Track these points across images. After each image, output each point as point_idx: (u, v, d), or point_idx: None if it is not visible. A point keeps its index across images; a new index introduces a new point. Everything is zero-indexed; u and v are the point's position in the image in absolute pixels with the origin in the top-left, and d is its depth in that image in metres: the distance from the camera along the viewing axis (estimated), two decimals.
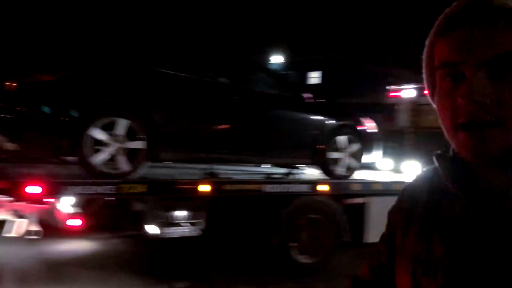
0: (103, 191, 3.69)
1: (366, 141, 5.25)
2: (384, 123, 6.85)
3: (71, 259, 4.84)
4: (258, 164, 5.73)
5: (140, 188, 3.86)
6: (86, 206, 4.27)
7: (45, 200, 3.85)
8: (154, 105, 4.07)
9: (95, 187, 3.64)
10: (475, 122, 0.56)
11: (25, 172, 3.82)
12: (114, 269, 4.58)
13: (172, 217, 4.42)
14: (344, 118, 5.25)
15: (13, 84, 3.67)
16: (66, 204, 4.07)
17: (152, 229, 4.45)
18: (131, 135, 3.87)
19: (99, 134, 3.71)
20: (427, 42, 0.64)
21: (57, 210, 4.09)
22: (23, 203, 3.90)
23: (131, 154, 3.91)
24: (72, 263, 4.69)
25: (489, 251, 0.57)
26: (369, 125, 5.44)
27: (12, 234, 3.85)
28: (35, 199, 3.56)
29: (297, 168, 5.50)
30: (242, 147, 4.66)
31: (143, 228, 4.48)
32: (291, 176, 5.13)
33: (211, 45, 5.49)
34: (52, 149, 3.88)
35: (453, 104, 0.58)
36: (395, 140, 6.91)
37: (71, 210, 4.06)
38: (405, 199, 0.74)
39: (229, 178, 4.61)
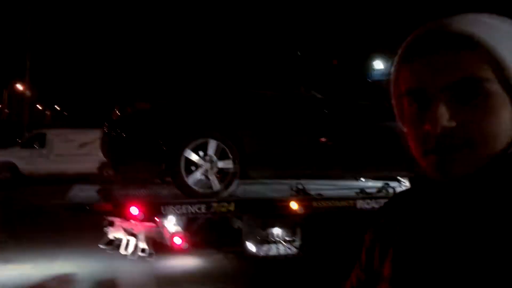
0: (195, 210, 3.91)
1: None
2: None
3: (178, 274, 5.13)
4: (352, 178, 5.52)
5: (228, 207, 4.01)
6: (189, 225, 4.60)
7: (152, 219, 4.25)
8: (242, 125, 4.22)
9: (188, 206, 3.89)
10: (443, 146, 0.57)
11: (127, 194, 4.24)
12: (218, 284, 4.75)
13: (268, 235, 4.48)
14: None
15: (116, 113, 4.13)
16: (171, 222, 4.41)
17: (250, 246, 4.57)
18: (221, 155, 4.05)
19: (192, 155, 3.97)
20: (392, 69, 0.65)
21: (164, 228, 4.46)
22: (133, 223, 4.35)
23: (223, 174, 4.09)
24: (179, 277, 4.96)
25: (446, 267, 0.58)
26: None
27: (126, 252, 4.31)
28: (140, 219, 3.91)
29: (397, 180, 5.16)
30: (334, 162, 4.54)
31: (244, 245, 4.61)
32: (389, 190, 4.82)
33: (303, 58, 5.48)
34: (151, 172, 4.25)
35: (421, 130, 0.59)
36: None
37: (175, 228, 4.39)
38: (383, 220, 0.74)
39: (319, 194, 4.52)
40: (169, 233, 4.33)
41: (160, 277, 4.95)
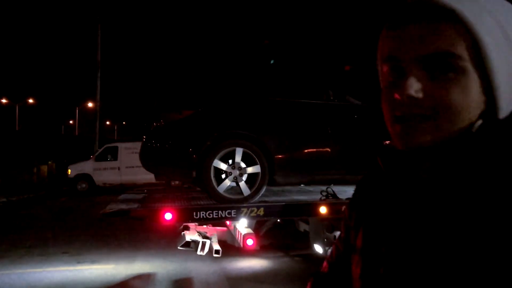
0: (225, 215, 4.25)
1: None
2: None
3: (248, 275, 5.55)
4: None
5: (258, 211, 4.29)
6: (258, 228, 5.00)
7: (224, 222, 4.64)
8: (269, 132, 4.45)
9: (219, 211, 4.23)
10: (409, 115, 0.59)
11: (162, 201, 4.67)
12: (286, 285, 5.06)
13: (334, 237, 4.67)
14: None
15: (153, 124, 4.61)
16: (242, 225, 4.84)
17: (318, 248, 4.86)
18: (249, 161, 4.33)
19: (221, 164, 4.28)
20: (380, 36, 0.66)
21: (236, 230, 4.90)
22: (207, 227, 4.83)
23: (251, 180, 4.37)
24: (249, 278, 5.38)
25: (416, 235, 0.60)
26: None
27: (202, 253, 4.82)
28: (173, 223, 4.36)
29: None
30: (362, 167, 4.63)
31: (312, 247, 4.91)
32: None
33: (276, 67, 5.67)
34: (184, 179, 4.67)
35: (391, 97, 0.61)
36: None
37: (247, 231, 4.80)
38: (358, 193, 0.79)
39: (348, 199, 4.63)
40: (242, 235, 4.73)
41: (230, 278, 5.41)
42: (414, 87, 0.58)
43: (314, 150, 4.58)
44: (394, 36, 0.61)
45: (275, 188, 5.05)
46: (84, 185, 16.59)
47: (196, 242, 4.80)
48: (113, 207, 4.33)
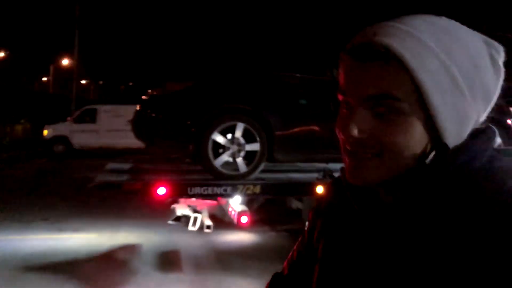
0: (221, 192, 4.15)
1: None
2: None
3: (237, 249, 5.53)
4: None
5: (254, 189, 4.20)
6: (249, 204, 4.95)
7: (213, 198, 4.59)
8: (270, 108, 4.32)
9: (214, 187, 4.12)
10: (357, 152, 0.62)
11: (156, 174, 4.51)
12: (274, 261, 5.11)
13: None
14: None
15: (148, 94, 4.42)
16: (235, 202, 4.77)
17: None
18: (249, 137, 4.20)
19: (220, 138, 4.15)
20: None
21: (229, 206, 4.83)
22: (197, 200, 4.77)
23: (249, 156, 4.27)
24: (238, 253, 5.35)
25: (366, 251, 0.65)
26: None
27: (194, 228, 4.77)
28: (166, 198, 4.25)
29: None
30: None
31: (304, 224, 4.89)
32: None
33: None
34: (179, 152, 4.54)
35: (343, 130, 0.63)
36: None
37: (242, 207, 4.74)
38: (321, 199, 0.81)
39: None
40: (236, 212, 4.67)
41: (218, 251, 5.38)
42: (358, 127, 0.60)
43: (316, 128, 4.49)
44: (345, 72, 0.63)
45: (269, 164, 4.98)
46: (61, 147, 16.18)
47: (187, 217, 4.74)
48: (103, 178, 4.17)
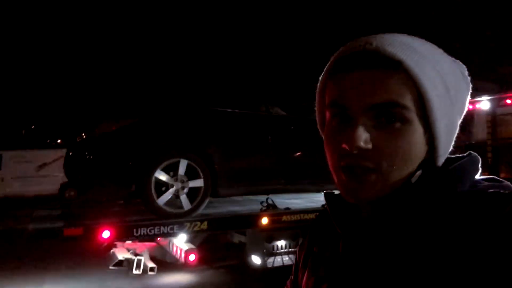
0: (167, 231, 4.06)
1: None
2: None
3: None
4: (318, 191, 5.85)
5: (201, 226, 4.19)
6: (193, 241, 4.88)
7: (156, 238, 4.43)
8: (211, 143, 4.39)
9: (160, 227, 4.03)
10: (355, 167, 0.59)
11: (96, 218, 4.30)
12: None
13: (272, 247, 4.77)
14: None
15: (82, 135, 4.26)
16: (180, 240, 4.65)
17: (255, 259, 4.84)
18: (192, 174, 4.20)
19: (163, 175, 4.09)
20: (320, 79, 0.67)
21: (174, 246, 4.70)
22: (135, 243, 4.56)
23: (193, 193, 4.25)
24: None
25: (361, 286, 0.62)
26: None
27: (138, 272, 4.50)
28: (111, 242, 4.06)
29: None
30: (301, 176, 4.84)
31: (247, 259, 4.88)
32: None
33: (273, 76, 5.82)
34: (120, 193, 4.41)
35: (338, 146, 0.60)
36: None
37: (188, 246, 4.63)
38: (308, 235, 0.79)
39: (287, 208, 4.81)
40: (182, 250, 4.55)
41: None
42: (363, 137, 0.58)
43: (256, 161, 4.65)
44: (340, 83, 0.61)
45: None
46: None
47: (129, 260, 4.53)
48: (37, 226, 3.87)
